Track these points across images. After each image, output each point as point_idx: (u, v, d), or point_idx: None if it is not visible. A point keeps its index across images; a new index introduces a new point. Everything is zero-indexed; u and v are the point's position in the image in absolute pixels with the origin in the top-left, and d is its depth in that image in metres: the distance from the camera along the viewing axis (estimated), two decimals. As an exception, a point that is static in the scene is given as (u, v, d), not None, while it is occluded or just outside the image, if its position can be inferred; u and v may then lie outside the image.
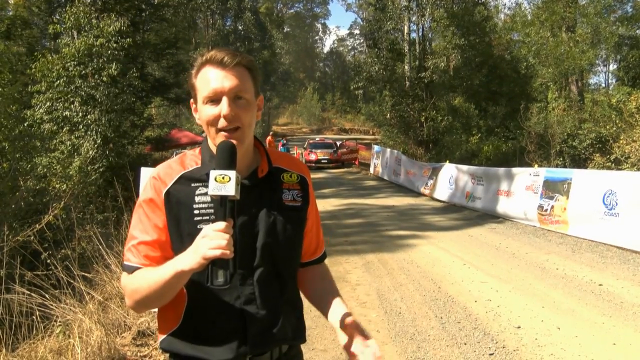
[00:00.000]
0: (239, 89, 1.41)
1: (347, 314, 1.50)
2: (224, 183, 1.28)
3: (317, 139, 32.55)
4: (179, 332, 1.47)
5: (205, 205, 1.42)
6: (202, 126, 1.47)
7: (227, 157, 1.33)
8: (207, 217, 1.41)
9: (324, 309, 1.60)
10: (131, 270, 1.44)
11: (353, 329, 1.46)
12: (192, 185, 1.46)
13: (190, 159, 1.53)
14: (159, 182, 1.47)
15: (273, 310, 1.48)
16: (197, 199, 1.44)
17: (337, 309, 1.56)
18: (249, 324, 1.44)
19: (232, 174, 1.29)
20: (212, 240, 1.24)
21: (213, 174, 1.29)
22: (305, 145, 30.12)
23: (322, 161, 27.35)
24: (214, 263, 1.27)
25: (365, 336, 1.44)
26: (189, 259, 1.28)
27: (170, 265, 1.33)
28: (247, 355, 1.46)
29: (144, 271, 1.41)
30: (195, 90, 1.46)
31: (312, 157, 27.38)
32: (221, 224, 1.26)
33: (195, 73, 1.46)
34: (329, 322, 1.56)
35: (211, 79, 1.41)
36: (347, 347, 1.44)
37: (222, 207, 1.30)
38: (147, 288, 1.37)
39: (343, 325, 1.48)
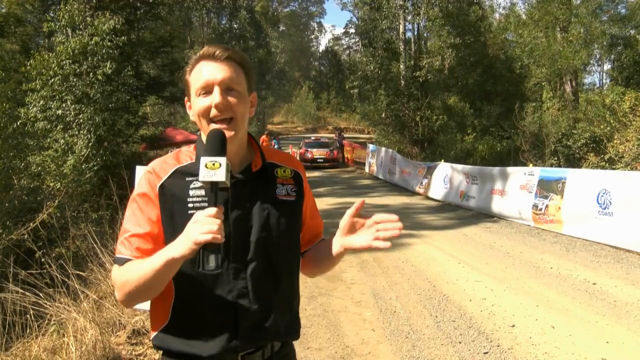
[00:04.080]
0: (231, 81, 1.43)
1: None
2: (214, 169, 1.29)
3: (312, 138, 31.46)
4: (169, 327, 1.47)
5: (200, 199, 1.43)
6: (196, 120, 1.48)
7: (217, 144, 1.34)
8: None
9: (324, 258, 1.62)
10: (122, 262, 1.43)
11: (355, 219, 1.50)
12: (187, 179, 1.47)
13: (185, 154, 1.54)
14: (154, 176, 1.48)
15: (265, 305, 1.48)
16: (191, 192, 1.45)
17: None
18: (241, 318, 1.44)
19: (222, 160, 1.30)
20: (204, 225, 1.25)
21: (203, 160, 1.30)
22: (301, 145, 28.95)
23: (318, 160, 26.49)
24: (205, 248, 1.27)
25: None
26: (180, 245, 1.28)
27: (161, 254, 1.33)
28: (238, 350, 1.46)
29: (134, 263, 1.41)
30: (189, 85, 1.49)
31: (308, 156, 26.48)
32: (212, 210, 1.27)
33: (190, 70, 1.49)
34: (334, 254, 1.56)
35: (204, 71, 1.44)
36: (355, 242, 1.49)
37: (213, 193, 1.31)
38: (137, 279, 1.36)
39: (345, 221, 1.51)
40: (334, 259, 1.58)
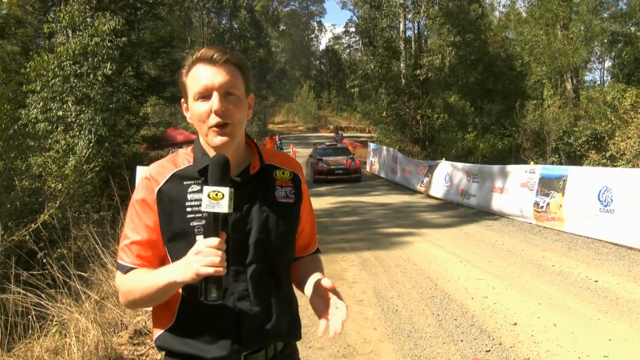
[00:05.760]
0: (230, 85, 1.42)
1: (323, 279, 1.46)
2: (217, 200, 1.28)
3: (326, 143, 24.45)
4: (173, 329, 1.48)
5: (198, 203, 1.42)
6: (194, 124, 1.47)
7: (219, 173, 1.33)
8: (200, 215, 1.42)
9: (303, 285, 1.59)
10: (125, 270, 1.46)
11: (327, 290, 1.44)
12: (185, 183, 1.46)
13: (183, 157, 1.54)
14: (151, 181, 1.48)
15: (267, 307, 1.48)
16: (189, 196, 1.45)
17: (314, 277, 1.54)
18: (243, 320, 1.44)
19: (225, 190, 1.29)
20: (206, 257, 1.25)
21: (206, 190, 1.30)
22: (311, 153, 22.68)
23: (336, 172, 20.13)
24: (207, 280, 1.28)
25: (338, 297, 1.43)
26: (182, 272, 1.29)
27: (164, 273, 1.35)
28: (242, 352, 1.46)
29: (138, 273, 1.43)
30: (186, 88, 1.47)
31: (323, 167, 20.21)
32: (214, 240, 1.27)
33: (186, 72, 1.47)
34: (305, 294, 1.55)
35: (202, 75, 1.42)
36: (320, 310, 1.44)
37: (215, 223, 1.30)
38: (141, 292, 1.40)
39: (317, 287, 1.47)
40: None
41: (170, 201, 1.45)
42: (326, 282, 1.44)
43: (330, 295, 1.43)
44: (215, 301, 1.29)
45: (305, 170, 20.05)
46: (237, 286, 1.44)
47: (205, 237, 1.32)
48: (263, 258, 1.48)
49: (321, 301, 1.45)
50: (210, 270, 1.24)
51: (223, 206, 1.28)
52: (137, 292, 1.41)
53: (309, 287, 1.53)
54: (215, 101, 1.39)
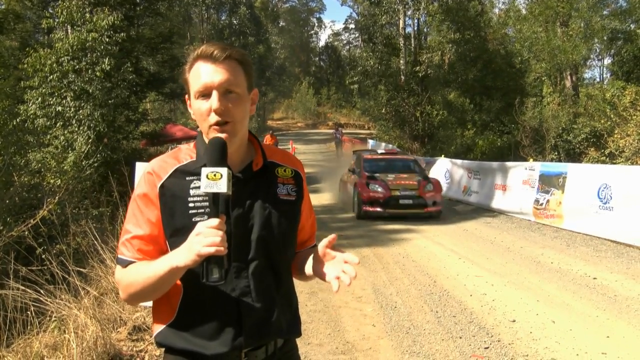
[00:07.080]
0: (230, 83, 1.41)
1: (322, 240, 1.46)
2: (215, 180, 1.29)
3: (378, 151, 16.74)
4: (173, 325, 1.47)
5: (200, 199, 1.42)
6: (196, 120, 1.47)
7: (217, 154, 1.33)
8: (202, 210, 1.42)
9: (302, 270, 1.59)
10: (125, 264, 1.45)
11: (326, 255, 1.44)
12: (187, 178, 1.46)
13: (185, 152, 1.53)
14: (154, 176, 1.47)
15: (268, 303, 1.48)
16: (192, 192, 1.44)
17: (312, 258, 1.53)
18: (244, 316, 1.44)
19: (223, 170, 1.29)
20: (206, 237, 1.25)
21: (205, 171, 1.30)
22: (352, 167, 13.39)
23: (402, 202, 11.25)
24: (209, 260, 1.28)
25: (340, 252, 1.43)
26: (184, 256, 1.29)
27: (165, 260, 1.34)
28: (242, 348, 1.46)
29: (138, 265, 1.42)
30: (188, 85, 1.47)
31: (378, 192, 11.28)
32: (214, 221, 1.27)
33: (189, 68, 1.47)
34: (306, 272, 1.55)
35: (202, 73, 1.42)
36: (324, 270, 1.43)
37: (215, 204, 1.31)
38: (142, 282, 1.39)
39: (316, 254, 1.47)
40: (306, 277, 1.59)
41: (172, 196, 1.45)
42: (326, 239, 1.43)
43: (334, 253, 1.43)
44: (218, 282, 1.29)
45: (338, 193, 14.61)
46: (238, 282, 1.44)
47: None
48: (265, 255, 1.47)
49: (322, 265, 1.45)
50: (212, 249, 1.24)
51: (222, 186, 1.29)
52: (138, 284, 1.40)
53: (309, 265, 1.54)
54: (214, 100, 1.39)
